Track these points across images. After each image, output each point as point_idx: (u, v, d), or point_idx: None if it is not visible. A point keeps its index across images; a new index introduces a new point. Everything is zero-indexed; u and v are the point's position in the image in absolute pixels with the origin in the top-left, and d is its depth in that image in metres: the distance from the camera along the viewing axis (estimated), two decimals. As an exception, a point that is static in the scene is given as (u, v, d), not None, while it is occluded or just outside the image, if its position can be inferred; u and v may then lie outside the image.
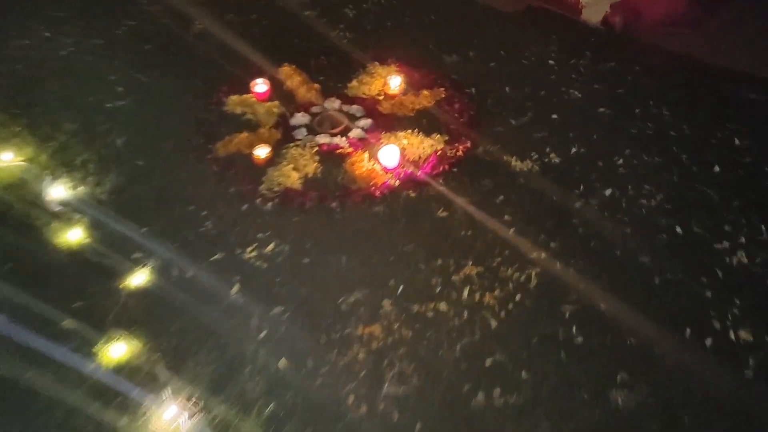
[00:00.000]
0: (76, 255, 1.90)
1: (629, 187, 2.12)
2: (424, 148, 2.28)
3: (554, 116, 2.46)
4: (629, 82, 2.63)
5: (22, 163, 2.24)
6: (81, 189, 2.13)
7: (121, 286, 1.80)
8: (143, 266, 1.86)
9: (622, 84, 2.62)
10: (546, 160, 2.25)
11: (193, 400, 1.54)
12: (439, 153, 2.27)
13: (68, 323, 1.71)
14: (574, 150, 2.29)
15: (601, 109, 2.48)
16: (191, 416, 1.50)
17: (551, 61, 2.77)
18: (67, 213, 2.04)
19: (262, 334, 1.70)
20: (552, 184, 2.15)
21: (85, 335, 1.68)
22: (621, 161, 2.23)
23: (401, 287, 1.81)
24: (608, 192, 2.11)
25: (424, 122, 2.42)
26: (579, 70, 2.71)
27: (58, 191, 2.11)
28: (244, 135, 2.35)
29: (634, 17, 2.94)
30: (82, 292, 1.79)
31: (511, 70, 2.73)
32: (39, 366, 1.60)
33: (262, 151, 2.25)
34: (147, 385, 1.57)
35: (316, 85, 2.61)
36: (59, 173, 2.19)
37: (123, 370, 1.61)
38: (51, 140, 2.35)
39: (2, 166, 2.22)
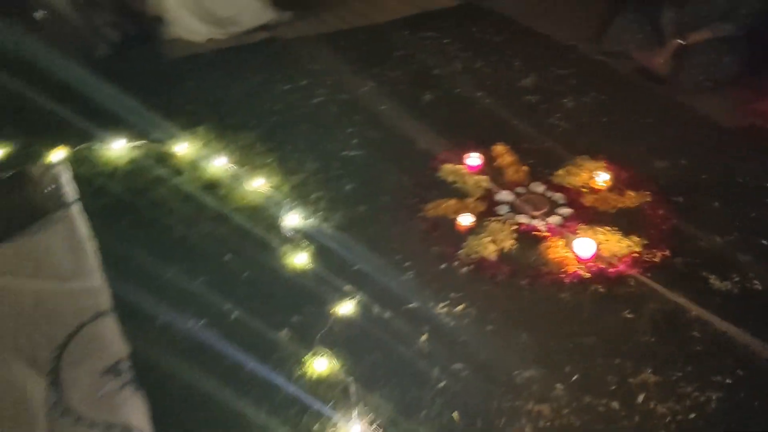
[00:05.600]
0: (299, 276, 2.26)
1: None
2: (620, 247, 2.36)
3: (763, 242, 2.41)
4: None
5: (269, 189, 2.69)
6: (311, 221, 2.52)
7: (330, 311, 2.11)
8: (350, 299, 2.16)
9: None
10: (747, 285, 2.21)
11: (375, 426, 1.76)
12: (635, 255, 2.34)
13: (284, 334, 2.04)
14: (781, 282, 2.23)
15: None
16: (371, 439, 1.73)
17: (769, 185, 2.71)
18: (298, 239, 2.42)
19: (441, 384, 1.89)
20: (750, 312, 2.11)
21: (294, 346, 2.00)
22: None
23: (576, 376, 1.91)
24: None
25: (624, 222, 2.49)
26: (801, 200, 2.62)
27: (293, 219, 2.51)
28: (453, 202, 2.61)
29: None
30: (300, 309, 2.12)
31: (723, 186, 2.71)
32: (239, 372, 1.93)
33: (465, 219, 2.48)
34: (338, 402, 1.83)
35: (525, 168, 2.81)
36: (296, 204, 2.60)
37: (321, 383, 1.89)
38: (294, 175, 2.79)
39: (253, 189, 2.69)
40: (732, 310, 2.12)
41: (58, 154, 2.77)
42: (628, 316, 2.11)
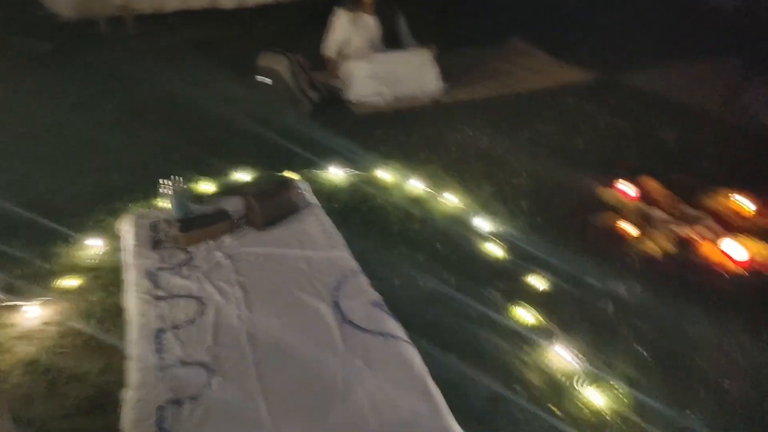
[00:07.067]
0: (497, 260, 2.86)
1: None
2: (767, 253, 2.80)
3: None
4: None
5: (458, 204, 3.35)
6: (498, 226, 3.13)
7: (524, 280, 2.69)
8: (540, 275, 2.73)
9: None
10: None
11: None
12: (780, 257, 2.77)
13: (491, 293, 2.63)
14: None
15: None
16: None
17: None
18: (489, 237, 3.03)
19: (625, 332, 2.39)
20: None
21: (500, 300, 2.57)
22: None
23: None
24: None
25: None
26: None
27: (482, 224, 3.13)
28: (615, 215, 3.16)
29: None
30: (501, 278, 2.72)
31: None
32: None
33: (628, 227, 3.01)
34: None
35: (673, 194, 3.32)
36: (482, 214, 3.23)
37: (531, 330, 2.44)
38: (475, 195, 3.45)
39: (446, 203, 3.35)
40: None
41: (291, 175, 3.57)
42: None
